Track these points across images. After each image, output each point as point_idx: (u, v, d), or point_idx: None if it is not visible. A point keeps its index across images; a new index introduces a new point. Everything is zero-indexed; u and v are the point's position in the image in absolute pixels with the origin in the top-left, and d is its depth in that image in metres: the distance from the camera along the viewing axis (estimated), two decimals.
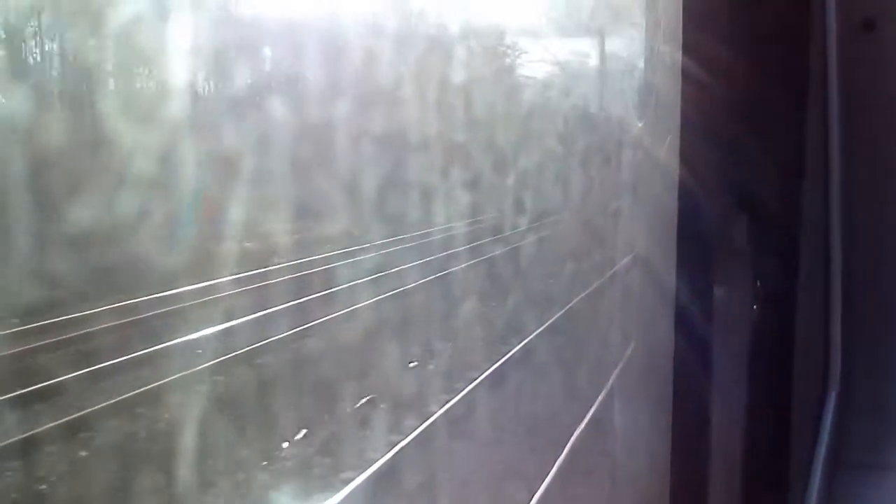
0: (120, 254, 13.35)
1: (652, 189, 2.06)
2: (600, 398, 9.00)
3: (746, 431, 1.71)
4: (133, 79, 16.62)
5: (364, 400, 9.72)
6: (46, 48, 16.65)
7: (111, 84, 16.03)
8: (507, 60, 27.98)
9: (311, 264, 15.94)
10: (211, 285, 13.25)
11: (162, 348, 10.86)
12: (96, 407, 8.97)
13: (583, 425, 8.53)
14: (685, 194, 1.68)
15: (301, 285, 14.24)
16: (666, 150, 1.79)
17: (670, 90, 1.67)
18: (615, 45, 25.70)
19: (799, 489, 1.79)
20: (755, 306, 1.69)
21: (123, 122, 13.83)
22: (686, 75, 1.63)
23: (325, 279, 14.55)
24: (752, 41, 1.64)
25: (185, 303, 12.68)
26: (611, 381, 8.99)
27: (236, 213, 13.55)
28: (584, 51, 27.11)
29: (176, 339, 11.16)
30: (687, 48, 1.62)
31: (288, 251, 16.65)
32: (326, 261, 16.13)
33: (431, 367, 11.12)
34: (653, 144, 2.12)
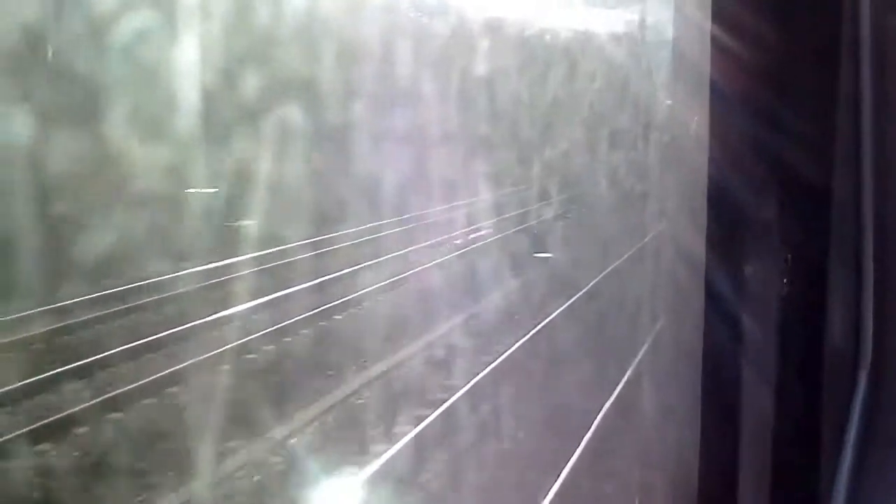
0: None
1: (682, 166, 2.04)
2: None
3: (776, 407, 1.70)
4: None
5: None
6: None
7: None
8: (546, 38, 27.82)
9: None
10: None
11: None
12: None
13: None
14: (715, 170, 1.67)
15: None
16: (695, 129, 1.78)
17: (700, 63, 1.66)
18: (650, 14, 25.54)
19: (830, 466, 1.77)
20: (785, 280, 1.68)
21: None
22: (716, 44, 1.60)
23: None
24: (782, 10, 1.61)
25: None
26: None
27: None
28: (618, 22, 26.92)
29: None
30: (717, 16, 1.59)
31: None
32: None
33: None
34: (682, 123, 2.10)
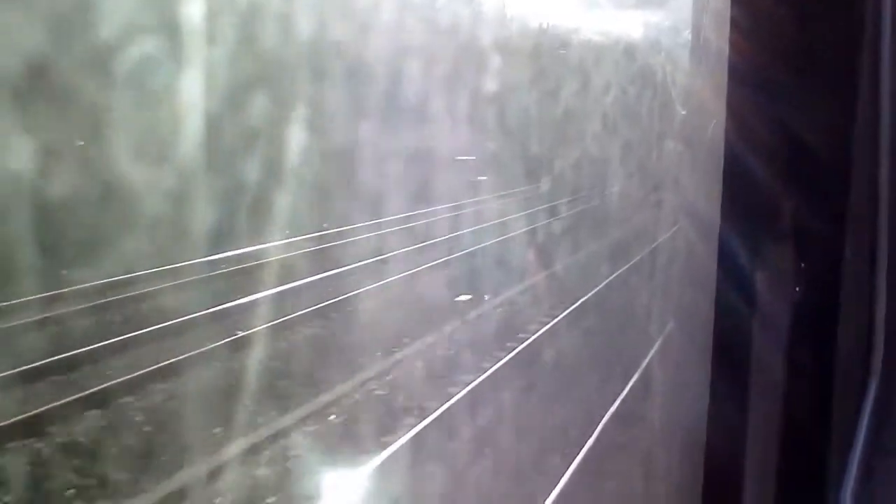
0: None
1: (694, 176, 2.04)
2: None
3: (785, 414, 1.70)
4: None
5: None
6: None
7: None
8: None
9: None
10: None
11: None
12: None
13: None
14: (730, 177, 1.66)
15: None
16: (710, 134, 1.78)
17: (720, 46, 1.64)
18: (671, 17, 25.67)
19: (837, 473, 1.77)
20: (798, 288, 1.68)
21: None
22: (736, 28, 1.58)
23: None
24: None
25: None
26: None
27: None
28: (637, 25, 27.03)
29: None
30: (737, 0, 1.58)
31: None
32: None
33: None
34: (698, 129, 2.09)
